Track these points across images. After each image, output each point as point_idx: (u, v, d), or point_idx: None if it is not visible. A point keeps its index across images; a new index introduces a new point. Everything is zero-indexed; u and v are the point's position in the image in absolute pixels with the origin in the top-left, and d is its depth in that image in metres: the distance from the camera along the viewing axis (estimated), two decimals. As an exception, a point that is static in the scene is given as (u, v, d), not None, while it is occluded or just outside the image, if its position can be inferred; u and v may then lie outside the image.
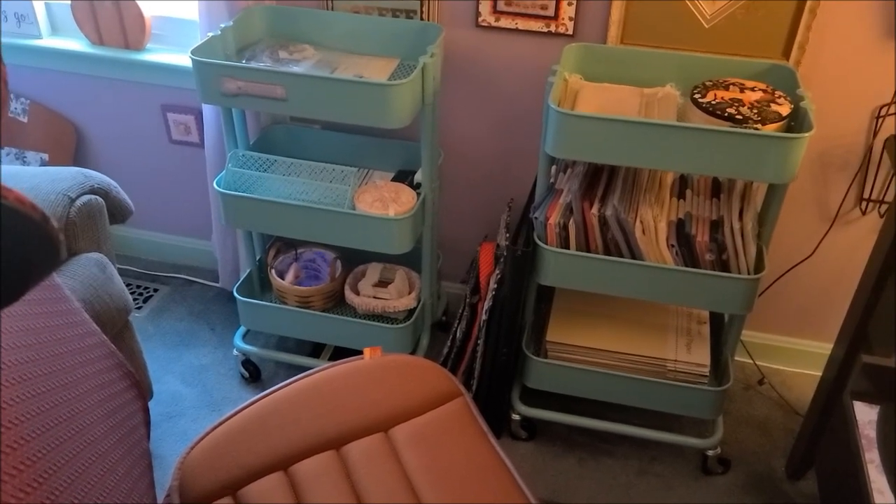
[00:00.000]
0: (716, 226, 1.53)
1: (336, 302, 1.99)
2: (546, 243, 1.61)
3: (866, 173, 1.77)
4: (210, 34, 1.69)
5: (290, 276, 1.99)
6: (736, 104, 1.47)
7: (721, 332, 1.85)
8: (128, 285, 2.22)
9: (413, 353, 1.96)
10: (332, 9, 1.85)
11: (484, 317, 1.75)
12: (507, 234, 1.75)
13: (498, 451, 1.26)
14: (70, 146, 2.26)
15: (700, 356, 1.75)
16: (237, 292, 1.95)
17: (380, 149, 1.96)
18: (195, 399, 1.98)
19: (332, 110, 1.57)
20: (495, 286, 1.71)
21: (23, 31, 2.11)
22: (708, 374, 1.74)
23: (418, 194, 1.79)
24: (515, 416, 1.87)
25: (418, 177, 1.85)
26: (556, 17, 1.73)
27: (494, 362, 1.78)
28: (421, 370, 1.38)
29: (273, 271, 1.97)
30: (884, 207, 1.80)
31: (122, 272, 1.76)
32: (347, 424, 1.28)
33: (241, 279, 1.99)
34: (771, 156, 1.38)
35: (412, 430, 1.28)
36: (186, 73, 1.98)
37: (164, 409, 1.95)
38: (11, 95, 2.21)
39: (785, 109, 1.46)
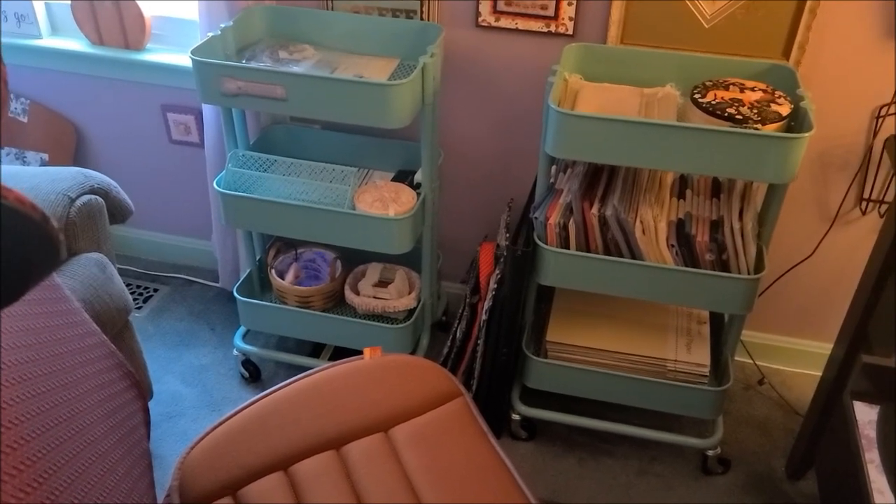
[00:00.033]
0: (716, 226, 1.53)
1: (336, 302, 1.99)
2: (546, 243, 1.61)
3: (866, 173, 1.77)
4: (210, 34, 1.69)
5: (290, 276, 1.99)
6: (736, 104, 1.47)
7: (721, 332, 1.85)
8: (128, 285, 2.22)
9: (413, 353, 1.96)
10: (332, 9, 1.85)
11: (484, 317, 1.75)
12: (507, 234, 1.75)
13: (498, 451, 1.26)
14: (70, 146, 2.26)
15: (700, 356, 1.75)
16: (237, 292, 1.95)
17: (380, 149, 1.96)
18: (195, 399, 1.98)
19: (332, 110, 1.57)
20: (495, 286, 1.71)
21: (23, 31, 2.11)
22: (708, 374, 1.74)
23: (418, 194, 1.79)
24: (515, 416, 1.87)
25: (418, 177, 1.85)
26: (556, 17, 1.73)
27: (494, 362, 1.78)
28: (421, 370, 1.38)
29: (273, 271, 1.97)
30: (884, 207, 1.80)
31: (122, 272, 1.76)
32: (347, 424, 1.28)
33: (241, 279, 1.99)
34: (771, 156, 1.38)
35: (412, 430, 1.28)
36: (186, 73, 1.98)
37: (164, 409, 1.95)
38: (11, 95, 2.21)
39: (785, 109, 1.46)
